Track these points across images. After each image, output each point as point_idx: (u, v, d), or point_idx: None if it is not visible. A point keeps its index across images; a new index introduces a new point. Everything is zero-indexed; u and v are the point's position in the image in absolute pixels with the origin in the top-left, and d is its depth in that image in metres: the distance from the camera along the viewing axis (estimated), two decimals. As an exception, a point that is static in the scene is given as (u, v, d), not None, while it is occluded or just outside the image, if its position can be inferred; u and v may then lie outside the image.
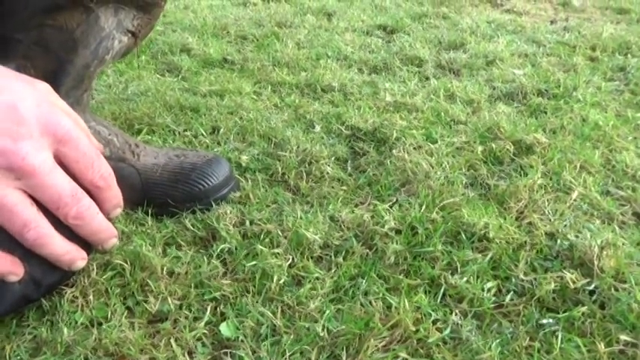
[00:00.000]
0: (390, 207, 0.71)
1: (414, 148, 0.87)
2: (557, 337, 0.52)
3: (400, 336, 0.52)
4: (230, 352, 0.50)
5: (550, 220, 0.69)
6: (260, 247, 0.61)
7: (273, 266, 0.59)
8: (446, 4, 1.81)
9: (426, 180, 0.77)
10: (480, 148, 0.86)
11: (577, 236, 0.65)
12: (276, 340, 0.51)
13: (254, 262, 0.59)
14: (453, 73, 1.26)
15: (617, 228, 0.68)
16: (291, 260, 0.61)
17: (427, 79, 1.22)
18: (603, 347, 0.50)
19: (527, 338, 0.52)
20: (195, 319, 0.53)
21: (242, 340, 0.51)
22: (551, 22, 1.59)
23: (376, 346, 0.51)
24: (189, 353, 0.49)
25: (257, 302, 0.55)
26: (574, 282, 0.57)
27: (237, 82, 1.16)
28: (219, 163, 0.75)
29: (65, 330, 0.49)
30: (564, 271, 0.58)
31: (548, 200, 0.73)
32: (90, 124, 0.73)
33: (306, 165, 0.83)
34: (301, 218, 0.67)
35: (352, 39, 1.48)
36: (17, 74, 0.48)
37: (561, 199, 0.74)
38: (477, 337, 0.52)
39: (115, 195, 0.54)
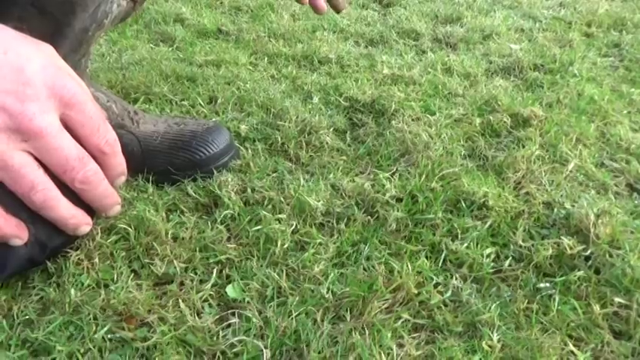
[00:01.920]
0: (391, 176, 0.72)
1: (413, 120, 0.87)
2: (554, 300, 0.53)
3: (402, 298, 0.53)
4: (237, 313, 0.50)
5: (547, 190, 0.70)
6: (263, 212, 0.61)
7: (276, 231, 0.59)
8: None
9: (425, 150, 0.78)
10: (477, 121, 0.87)
11: (573, 205, 0.66)
12: (281, 302, 0.52)
13: (257, 228, 0.60)
14: (450, 47, 1.26)
15: (611, 198, 0.69)
16: (294, 226, 0.61)
17: (424, 52, 1.22)
18: (598, 309, 0.52)
19: (525, 301, 0.54)
20: (202, 281, 0.54)
21: (248, 302, 0.52)
22: (548, -2, 1.59)
23: (379, 307, 0.52)
24: (197, 313, 0.50)
25: (262, 266, 0.55)
26: (571, 248, 0.58)
27: (233, 53, 1.15)
28: (220, 131, 0.75)
29: (72, 291, 0.50)
30: (561, 237, 0.59)
31: (545, 171, 0.74)
32: (89, 90, 0.72)
33: (306, 135, 0.83)
34: (303, 186, 0.68)
35: (348, 12, 1.46)
36: (22, 35, 0.47)
37: (558, 170, 0.75)
38: (477, 299, 0.54)
39: (120, 162, 0.53)
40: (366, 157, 0.78)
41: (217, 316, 0.50)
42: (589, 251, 0.58)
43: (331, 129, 0.86)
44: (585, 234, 0.60)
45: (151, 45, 1.18)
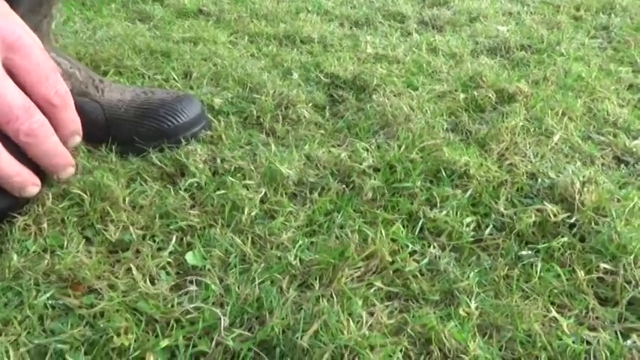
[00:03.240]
0: (369, 147, 0.68)
1: (394, 95, 0.84)
2: (536, 267, 0.50)
3: (376, 267, 0.50)
4: (196, 280, 0.47)
5: (531, 161, 0.67)
6: (230, 179, 0.58)
7: (243, 199, 0.56)
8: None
9: (406, 123, 0.74)
10: (461, 96, 0.84)
11: (558, 176, 0.63)
12: (245, 269, 0.48)
13: (223, 193, 0.56)
14: (436, 29, 1.23)
15: (598, 169, 0.66)
16: (263, 194, 0.58)
17: (409, 34, 1.18)
18: (583, 275, 0.48)
19: (506, 269, 0.50)
20: (160, 249, 0.50)
21: (209, 269, 0.48)
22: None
23: (351, 275, 0.48)
24: (151, 280, 0.46)
25: (226, 233, 0.52)
26: (555, 215, 0.55)
27: (213, 32, 1.11)
28: (190, 101, 0.71)
29: (15, 256, 0.46)
30: (545, 203, 0.56)
31: (529, 143, 0.71)
32: (50, 55, 0.68)
33: (283, 109, 0.80)
34: (275, 155, 0.64)
35: (334, -5, 1.43)
36: None
37: (543, 142, 0.72)
38: (455, 268, 0.51)
39: (72, 119, 0.50)
40: (345, 130, 0.75)
41: (174, 284, 0.46)
42: (574, 219, 0.55)
43: (310, 104, 0.82)
44: (570, 202, 0.57)
45: (128, 23, 1.14)
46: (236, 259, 0.49)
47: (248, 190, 0.57)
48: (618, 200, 0.59)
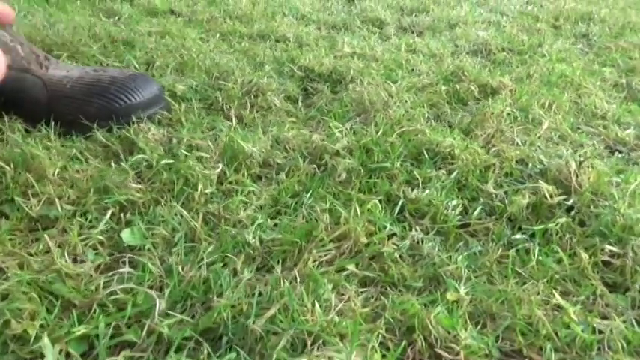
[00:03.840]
0: (344, 130, 0.62)
1: (372, 86, 0.79)
2: (532, 251, 0.43)
3: (349, 249, 0.43)
4: (131, 260, 0.39)
5: (520, 147, 0.62)
6: (184, 152, 0.50)
7: (197, 175, 0.48)
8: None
9: (384, 110, 0.69)
10: (442, 88, 0.79)
11: (550, 161, 0.58)
12: (192, 248, 0.40)
13: (174, 169, 0.48)
14: (416, 33, 1.20)
15: (591, 156, 0.61)
16: (221, 172, 0.50)
17: (388, 38, 1.15)
18: (587, 258, 0.42)
19: (498, 252, 0.44)
20: (92, 227, 0.42)
21: (149, 249, 0.40)
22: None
23: (319, 257, 0.41)
24: (75, 260, 0.38)
25: (173, 211, 0.44)
26: (551, 197, 0.49)
27: (183, 29, 1.05)
28: (146, 80, 0.64)
29: None
30: (540, 182, 0.50)
31: (517, 131, 0.66)
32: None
33: (251, 96, 0.73)
34: (238, 133, 0.57)
35: (311, 2, 1.40)
36: None
37: (530, 130, 0.67)
38: (441, 252, 0.44)
39: None
40: (318, 117, 0.69)
41: (103, 264, 0.38)
42: (571, 201, 0.49)
43: (282, 95, 0.76)
44: (566, 185, 0.52)
45: (92, 18, 1.08)
46: (183, 237, 0.41)
47: (204, 166, 0.50)
48: (617, 184, 0.53)
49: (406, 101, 0.73)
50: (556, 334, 0.35)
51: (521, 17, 1.33)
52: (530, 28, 1.22)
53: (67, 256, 0.37)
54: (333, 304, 0.35)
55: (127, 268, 0.37)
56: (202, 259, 0.38)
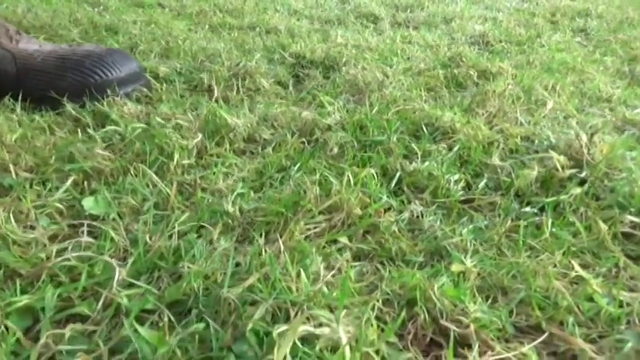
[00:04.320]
0: (337, 106, 0.58)
1: (367, 70, 0.75)
2: (544, 223, 0.39)
3: (341, 221, 0.38)
4: (91, 229, 0.34)
5: (525, 126, 0.58)
6: (159, 120, 0.46)
7: (174, 145, 0.44)
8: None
9: (380, 90, 0.65)
10: (440, 72, 0.75)
11: (558, 136, 0.54)
12: (163, 217, 0.36)
13: (149, 139, 0.44)
14: (411, 28, 1.17)
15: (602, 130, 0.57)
16: (201, 145, 0.46)
17: (383, 32, 1.12)
18: (606, 228, 0.38)
19: (506, 225, 0.39)
20: (51, 196, 0.37)
21: (114, 219, 0.35)
22: (509, -3, 1.55)
23: (307, 230, 0.36)
24: (26, 227, 0.33)
25: (145, 180, 0.39)
26: (562, 169, 0.45)
27: (170, 20, 1.02)
28: (125, 57, 0.60)
29: None
30: (551, 151, 0.46)
31: (520, 111, 0.62)
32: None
33: (239, 79, 0.69)
34: (221, 107, 0.53)
35: (305, 0, 1.37)
36: None
37: (535, 111, 0.63)
38: (444, 225, 0.39)
39: None
40: (309, 98, 0.65)
41: (60, 232, 0.33)
42: (583, 174, 0.45)
43: (272, 80, 0.72)
44: (577, 158, 0.47)
45: (75, 6, 1.04)
46: (153, 207, 0.36)
47: (182, 137, 0.45)
48: (631, 159, 0.49)
49: (403, 83, 0.70)
50: (578, 307, 0.31)
51: (517, 13, 1.31)
52: (527, 23, 1.19)
53: (14, 223, 0.32)
54: (322, 275, 0.31)
55: (85, 238, 0.33)
56: (174, 227, 0.34)
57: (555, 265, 0.34)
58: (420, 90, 0.70)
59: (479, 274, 0.34)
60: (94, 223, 0.34)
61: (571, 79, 0.77)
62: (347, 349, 0.24)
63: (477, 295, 0.32)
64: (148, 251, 0.32)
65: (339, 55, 0.80)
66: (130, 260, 0.31)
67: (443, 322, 0.28)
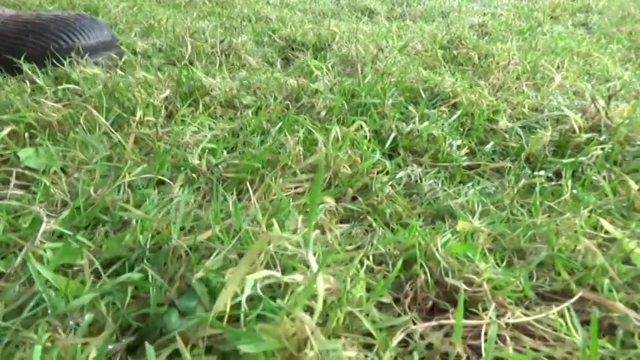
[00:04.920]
0: (325, 70, 0.53)
1: (359, 48, 0.70)
2: (566, 184, 0.34)
3: (327, 181, 0.33)
4: (24, 182, 0.28)
5: (532, 98, 0.53)
6: (124, 79, 0.41)
7: (137, 101, 0.38)
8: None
9: (373, 64, 0.60)
10: (439, 52, 0.71)
11: (569, 107, 0.48)
12: (114, 167, 0.30)
13: (110, 95, 0.39)
14: (408, 20, 1.13)
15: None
16: (169, 103, 0.41)
17: (378, 24, 1.08)
18: (636, 187, 0.32)
19: (518, 189, 0.34)
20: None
21: (55, 172, 0.30)
22: (507, -4, 1.52)
23: (287, 188, 0.31)
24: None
25: (99, 134, 0.34)
26: (579, 130, 0.40)
27: (155, 7, 0.97)
28: (96, 24, 0.55)
29: None
30: (566, 110, 0.41)
31: (526, 85, 0.57)
32: None
33: (223, 55, 0.64)
34: (199, 70, 0.48)
35: (298, -5, 1.34)
36: None
37: (542, 85, 0.58)
38: (446, 187, 0.34)
39: None
40: (297, 72, 0.60)
41: (-16, 182, 0.28)
42: (602, 137, 0.40)
43: (259, 59, 0.67)
44: (594, 122, 0.42)
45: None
46: (104, 160, 0.31)
47: (149, 95, 0.40)
48: (653, 125, 0.44)
49: (399, 61, 0.65)
50: (613, 269, 0.25)
51: (516, 9, 1.28)
52: (527, 17, 1.16)
53: None
54: (301, 230, 0.25)
55: (14, 190, 0.27)
56: (125, 179, 0.28)
57: (581, 226, 0.28)
58: (418, 69, 0.65)
59: (489, 234, 0.28)
60: (34, 176, 0.28)
61: (577, 60, 0.72)
62: (321, 303, 0.18)
63: (488, 256, 0.26)
64: (88, 204, 0.26)
65: (332, 37, 0.76)
66: (66, 213, 0.25)
67: (449, 279, 0.22)
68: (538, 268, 0.26)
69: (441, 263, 0.23)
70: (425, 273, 0.23)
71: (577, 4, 1.32)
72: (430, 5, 1.23)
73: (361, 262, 0.23)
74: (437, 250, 0.24)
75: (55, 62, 0.49)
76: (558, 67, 0.67)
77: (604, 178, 0.36)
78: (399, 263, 0.24)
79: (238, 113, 0.44)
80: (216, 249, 0.22)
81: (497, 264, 0.26)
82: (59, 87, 0.40)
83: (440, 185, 0.34)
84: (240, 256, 0.21)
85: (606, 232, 0.28)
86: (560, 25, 1.10)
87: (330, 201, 0.31)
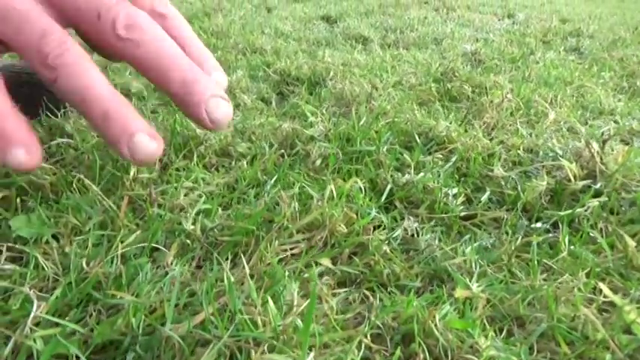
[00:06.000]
0: (321, 117, 0.53)
1: (354, 84, 0.71)
2: (563, 240, 0.34)
3: (323, 241, 0.32)
4: (15, 254, 0.28)
5: (527, 138, 0.53)
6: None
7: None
8: (392, 6, 1.75)
9: (368, 102, 0.60)
10: (433, 86, 0.71)
11: (564, 147, 0.49)
12: (108, 239, 0.30)
13: (102, 151, 0.38)
14: (401, 48, 1.15)
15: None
16: (163, 156, 0.41)
17: (372, 52, 1.09)
18: (634, 244, 0.32)
19: (516, 244, 0.34)
20: (-24, 216, 0.31)
21: (47, 241, 0.29)
22: (499, 20, 1.54)
23: (282, 250, 0.31)
24: None
25: (91, 196, 0.34)
26: (574, 179, 0.40)
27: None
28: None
29: None
30: (562, 159, 0.41)
31: (520, 123, 0.57)
32: None
33: (218, 94, 0.64)
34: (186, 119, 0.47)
35: (293, 24, 1.35)
36: None
37: (536, 122, 0.58)
38: (444, 244, 0.33)
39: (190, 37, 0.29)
40: (292, 112, 0.60)
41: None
42: (598, 185, 0.40)
43: (254, 96, 0.68)
44: (589, 168, 0.42)
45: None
46: (97, 226, 0.30)
47: (142, 149, 0.40)
48: (649, 169, 0.44)
49: (393, 97, 0.65)
50: (613, 341, 0.25)
51: (508, 34, 1.29)
52: (519, 42, 1.17)
53: None
54: (296, 304, 0.25)
55: (5, 265, 0.26)
56: (117, 249, 0.28)
57: (580, 290, 0.28)
58: (412, 103, 0.65)
59: (488, 300, 0.28)
60: (24, 249, 0.28)
61: (570, 92, 0.73)
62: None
63: (487, 327, 0.26)
64: (80, 280, 0.26)
65: (326, 71, 0.76)
66: (57, 291, 0.25)
67: (448, 363, 0.22)
68: (538, 339, 0.25)
69: (440, 341, 0.23)
70: (423, 351, 0.23)
71: (568, 28, 1.33)
72: (423, 32, 1.24)
73: (359, 342, 0.23)
74: (435, 325, 0.24)
75: (49, 114, 0.49)
76: (551, 101, 0.67)
77: (600, 231, 0.36)
78: (398, 339, 0.24)
79: (233, 163, 0.43)
80: (210, 339, 0.21)
81: (499, 330, 0.26)
82: (52, 142, 0.40)
83: (437, 241, 0.34)
84: (239, 348, 0.21)
85: (605, 296, 0.27)
86: (552, 51, 1.11)
87: (325, 263, 0.31)
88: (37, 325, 0.23)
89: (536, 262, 0.31)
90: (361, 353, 0.22)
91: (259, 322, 0.23)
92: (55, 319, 0.22)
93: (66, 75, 0.23)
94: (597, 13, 1.92)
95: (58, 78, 0.23)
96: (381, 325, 0.25)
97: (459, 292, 0.27)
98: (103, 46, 0.24)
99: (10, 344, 0.22)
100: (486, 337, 0.24)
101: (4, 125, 0.23)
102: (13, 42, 0.23)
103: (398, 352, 0.23)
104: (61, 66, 0.23)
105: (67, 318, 0.24)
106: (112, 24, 0.24)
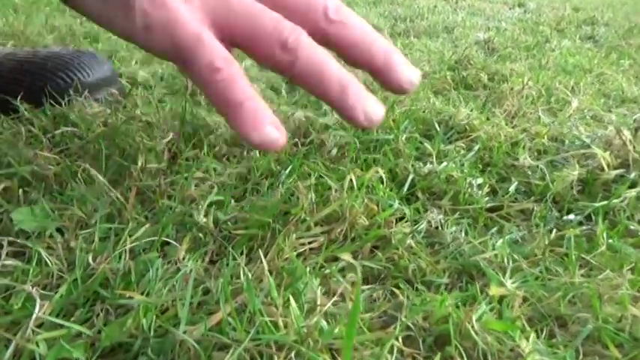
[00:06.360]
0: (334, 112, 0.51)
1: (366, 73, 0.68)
2: (601, 234, 0.31)
3: (343, 234, 0.30)
4: (18, 248, 0.26)
5: (550, 126, 0.50)
6: (124, 117, 0.39)
7: (137, 147, 0.36)
8: (400, -4, 1.71)
9: (382, 91, 0.58)
10: (448, 75, 0.69)
11: (591, 138, 0.46)
12: (116, 232, 0.28)
13: (109, 140, 0.36)
14: (412, 37, 1.12)
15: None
16: (172, 146, 0.39)
17: (382, 40, 1.06)
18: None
19: (549, 237, 0.31)
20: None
21: (51, 236, 0.27)
22: (510, 8, 1.51)
23: (300, 244, 0.29)
24: None
25: (97, 186, 0.32)
26: (607, 167, 0.37)
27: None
28: (95, 58, 0.53)
29: None
30: (594, 147, 0.39)
31: (542, 111, 0.55)
32: None
33: (226, 83, 0.62)
34: (202, 107, 0.46)
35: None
36: None
37: (558, 110, 0.56)
38: (471, 237, 0.31)
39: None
40: (304, 100, 0.58)
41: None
42: (632, 174, 0.38)
43: (263, 85, 0.65)
44: (621, 156, 0.40)
45: (55, 13, 0.98)
46: (104, 219, 0.29)
47: (150, 139, 0.38)
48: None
49: (407, 86, 0.63)
50: (667, 343, 0.23)
51: (520, 23, 1.26)
52: (533, 31, 1.14)
53: None
54: (319, 304, 0.23)
55: (8, 261, 0.25)
56: (125, 244, 0.26)
57: (626, 287, 0.26)
58: (427, 91, 0.63)
59: (525, 299, 0.26)
60: (27, 243, 0.26)
61: (590, 79, 0.70)
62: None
63: (527, 327, 0.24)
64: (86, 276, 0.24)
65: (338, 60, 0.74)
66: (62, 289, 0.23)
67: (490, 368, 0.20)
68: (583, 341, 0.23)
69: (479, 344, 0.21)
70: (461, 355, 0.21)
71: (582, 16, 1.30)
72: (433, 20, 1.22)
73: (390, 346, 0.21)
74: (472, 327, 0.22)
75: (53, 103, 0.47)
76: (573, 88, 0.65)
77: (639, 222, 0.33)
78: (430, 341, 0.22)
79: (245, 152, 0.41)
80: (229, 343, 0.19)
81: (540, 330, 0.24)
82: (56, 131, 0.38)
83: (463, 234, 0.32)
84: (260, 353, 0.19)
85: (653, 294, 0.25)
86: (567, 39, 1.08)
87: (347, 258, 0.29)
88: (40, 326, 0.21)
89: (573, 256, 0.29)
90: (393, 358, 0.20)
91: (280, 324, 0.21)
92: (60, 321, 0.20)
93: (306, 56, 0.25)
94: (609, 1, 1.88)
95: (297, 60, 0.25)
96: (412, 326, 0.23)
97: (494, 290, 0.25)
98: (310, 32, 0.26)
99: (11, 348, 0.20)
100: (527, 339, 0.22)
101: (257, 104, 0.25)
102: (247, 38, 0.26)
103: (437, 358, 0.21)
104: (301, 48, 0.25)
105: (72, 318, 0.22)
106: (323, 10, 0.27)
